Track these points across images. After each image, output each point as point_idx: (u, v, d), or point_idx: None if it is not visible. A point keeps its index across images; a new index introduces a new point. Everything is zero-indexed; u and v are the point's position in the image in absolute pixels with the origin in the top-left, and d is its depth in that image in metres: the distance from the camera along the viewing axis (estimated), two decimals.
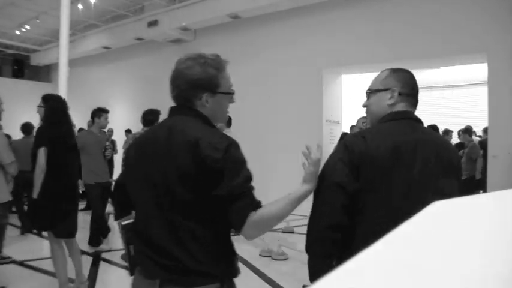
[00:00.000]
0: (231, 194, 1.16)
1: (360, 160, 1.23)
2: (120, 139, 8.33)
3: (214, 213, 1.21)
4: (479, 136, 7.41)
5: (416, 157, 1.25)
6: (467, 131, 6.53)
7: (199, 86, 1.29)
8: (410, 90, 1.38)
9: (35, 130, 5.64)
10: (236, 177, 1.17)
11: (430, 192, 1.24)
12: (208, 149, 1.17)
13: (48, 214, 3.04)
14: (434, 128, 5.76)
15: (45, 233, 3.33)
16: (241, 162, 1.21)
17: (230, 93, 1.36)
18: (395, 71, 1.41)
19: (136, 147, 1.38)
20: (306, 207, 1.38)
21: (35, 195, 2.99)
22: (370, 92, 1.43)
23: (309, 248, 1.28)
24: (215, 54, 1.35)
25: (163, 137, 1.27)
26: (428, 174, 1.25)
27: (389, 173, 1.23)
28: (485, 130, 6.68)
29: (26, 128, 5.57)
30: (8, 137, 5.96)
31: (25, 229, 5.33)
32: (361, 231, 1.22)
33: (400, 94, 1.36)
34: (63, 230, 3.16)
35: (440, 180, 1.28)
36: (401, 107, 1.37)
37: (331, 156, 1.32)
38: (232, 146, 1.20)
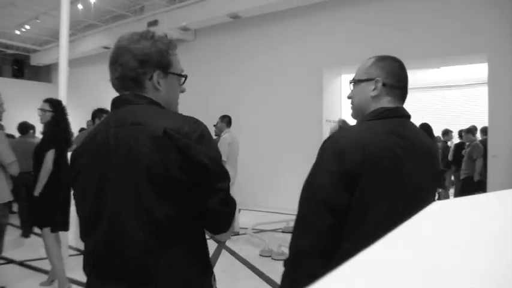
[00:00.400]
0: (223, 196, 1.02)
1: (358, 170, 1.06)
2: None
3: (195, 224, 1.04)
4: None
5: (412, 163, 1.13)
6: (470, 131, 6.52)
7: (149, 61, 1.08)
8: (396, 82, 1.22)
9: (35, 130, 5.68)
10: (223, 173, 1.02)
11: (423, 199, 1.15)
12: (181, 139, 0.98)
13: (48, 210, 3.22)
14: (426, 126, 5.74)
15: (39, 231, 3.43)
16: (219, 151, 1.06)
17: (183, 76, 1.17)
18: (380, 59, 1.25)
19: (81, 157, 1.10)
20: None
21: (36, 193, 3.17)
22: (354, 83, 1.28)
23: (287, 264, 1.11)
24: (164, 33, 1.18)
25: (116, 139, 1.02)
26: (421, 181, 1.16)
27: (388, 182, 1.09)
28: (482, 130, 6.65)
29: (23, 127, 5.56)
30: (12, 136, 5.96)
31: (26, 232, 5.34)
32: (352, 245, 1.03)
33: (384, 85, 1.20)
34: (59, 224, 3.34)
35: (431, 186, 1.22)
36: (387, 101, 1.21)
37: (319, 162, 1.12)
38: (206, 131, 1.04)
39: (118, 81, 1.11)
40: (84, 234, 1.10)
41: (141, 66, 1.08)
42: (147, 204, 0.98)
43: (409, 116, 1.24)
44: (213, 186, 1.01)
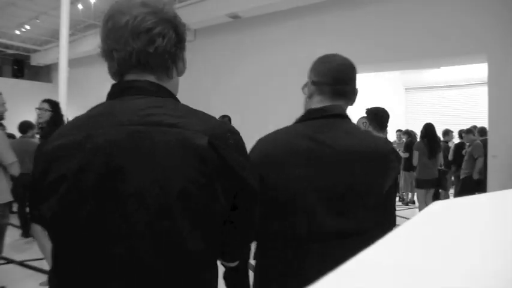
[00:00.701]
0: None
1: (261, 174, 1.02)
2: None
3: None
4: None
5: (327, 165, 1.04)
6: (471, 131, 6.53)
7: (183, 36, 0.87)
8: (326, 79, 1.15)
9: (34, 130, 5.68)
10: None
11: (354, 201, 1.04)
12: (229, 151, 0.77)
13: None
14: (428, 126, 5.74)
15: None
16: None
17: None
18: (315, 60, 1.22)
19: (67, 157, 0.76)
20: None
21: None
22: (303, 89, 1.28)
23: None
24: None
25: (134, 141, 0.74)
26: (347, 184, 1.05)
27: (296, 186, 1.04)
28: (480, 131, 6.64)
29: (23, 127, 5.56)
30: (12, 136, 5.97)
31: (26, 232, 5.35)
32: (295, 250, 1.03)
33: (314, 84, 1.18)
34: None
35: (363, 187, 1.07)
36: (317, 100, 1.17)
37: None
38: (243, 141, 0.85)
39: (150, 58, 0.81)
40: (64, 262, 0.77)
41: (180, 41, 0.85)
42: (175, 234, 0.73)
43: (338, 115, 1.14)
44: (253, 212, 0.85)
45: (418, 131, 6.73)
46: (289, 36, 7.86)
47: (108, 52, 0.83)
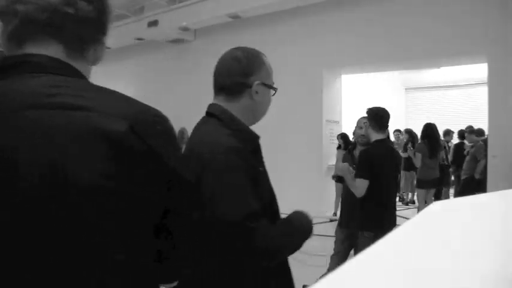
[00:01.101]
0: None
1: None
2: None
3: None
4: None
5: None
6: (473, 131, 6.52)
7: (110, 14, 0.78)
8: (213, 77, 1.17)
9: None
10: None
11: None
12: (156, 138, 0.64)
13: None
14: (428, 126, 5.74)
15: None
16: None
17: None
18: None
19: None
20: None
21: None
22: None
23: None
24: None
25: (33, 129, 0.58)
26: None
27: None
28: (477, 132, 6.63)
29: None
30: None
31: None
32: None
33: None
34: None
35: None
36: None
37: None
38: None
39: (68, 21, 0.65)
40: None
41: (106, 20, 0.76)
42: (85, 251, 0.58)
43: (209, 114, 1.16)
44: (189, 212, 0.73)
45: (418, 131, 6.73)
46: (289, 36, 7.86)
47: (10, 4, 0.63)
